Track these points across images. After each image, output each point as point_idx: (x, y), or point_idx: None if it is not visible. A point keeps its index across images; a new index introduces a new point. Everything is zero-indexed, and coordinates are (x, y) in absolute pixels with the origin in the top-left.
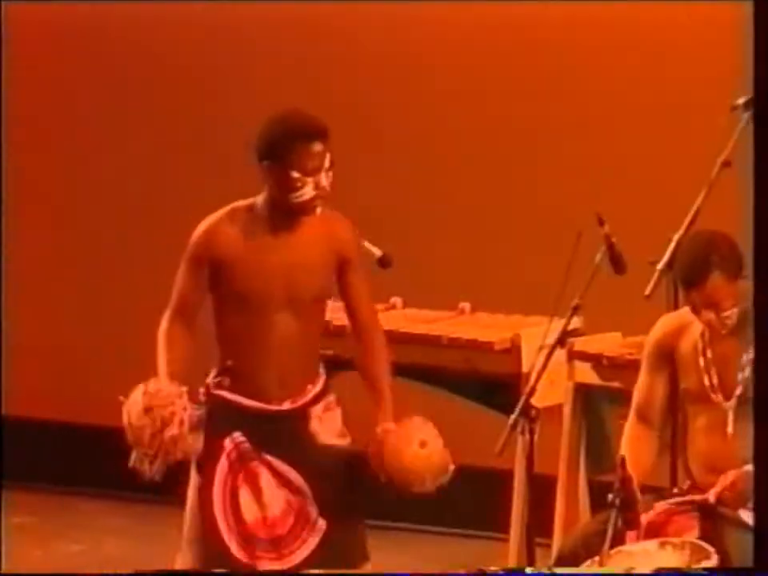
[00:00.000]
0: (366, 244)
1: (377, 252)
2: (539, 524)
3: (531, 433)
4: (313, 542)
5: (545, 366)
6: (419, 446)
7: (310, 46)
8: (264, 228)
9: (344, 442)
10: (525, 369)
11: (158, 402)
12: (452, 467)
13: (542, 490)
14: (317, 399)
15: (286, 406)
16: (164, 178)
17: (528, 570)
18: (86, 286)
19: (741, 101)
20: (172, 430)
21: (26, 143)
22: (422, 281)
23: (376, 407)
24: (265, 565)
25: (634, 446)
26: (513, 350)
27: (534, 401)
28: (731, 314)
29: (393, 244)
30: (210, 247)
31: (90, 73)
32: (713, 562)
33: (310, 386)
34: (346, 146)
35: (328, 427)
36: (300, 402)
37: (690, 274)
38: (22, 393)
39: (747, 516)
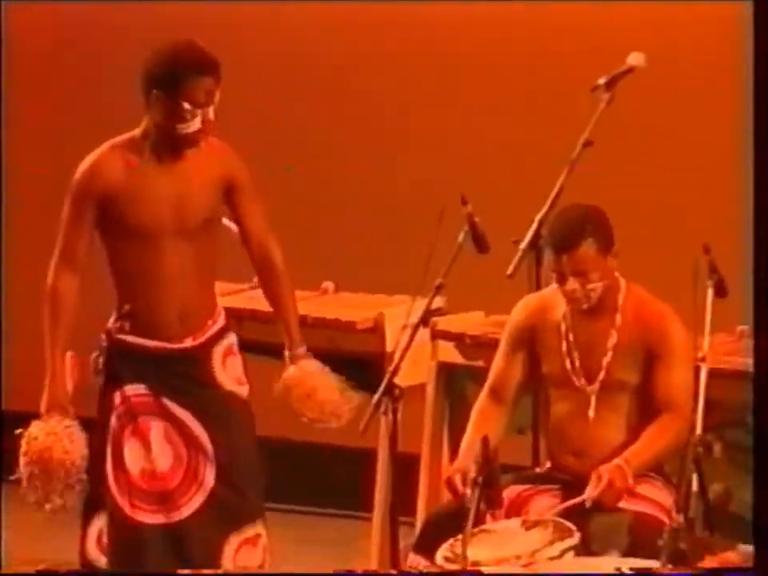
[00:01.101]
0: (227, 222)
1: (236, 229)
2: (403, 503)
3: (395, 412)
4: (199, 499)
5: (408, 346)
6: (307, 394)
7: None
8: (147, 159)
9: (243, 390)
10: (388, 348)
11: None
12: (354, 404)
13: (405, 469)
14: (218, 337)
15: (188, 343)
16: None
17: (394, 571)
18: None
19: (601, 81)
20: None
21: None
22: (284, 260)
23: (283, 334)
24: (146, 517)
25: (483, 421)
26: (376, 330)
27: (397, 380)
28: (596, 287)
29: None
30: (95, 184)
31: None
32: (575, 540)
33: (210, 322)
34: None
35: (229, 373)
36: (201, 338)
37: (563, 239)
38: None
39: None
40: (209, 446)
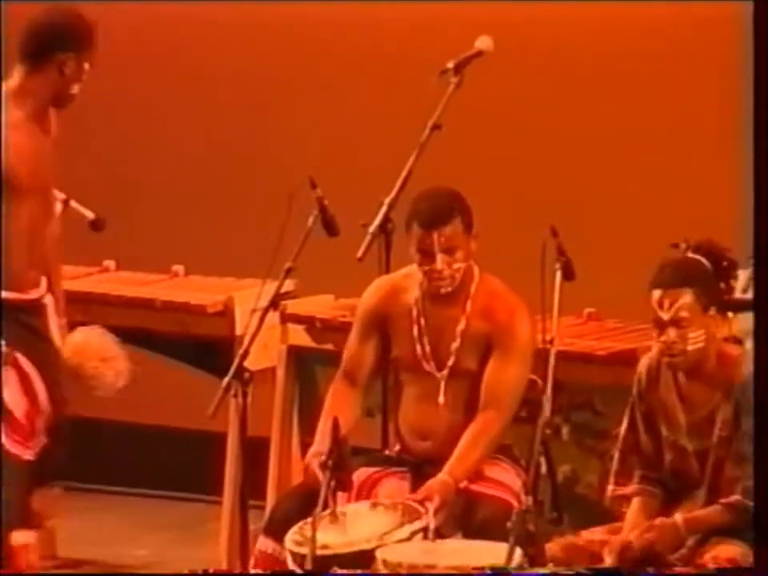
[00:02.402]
0: (76, 205)
1: (89, 215)
2: (253, 486)
3: (244, 395)
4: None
5: (258, 329)
6: (100, 361)
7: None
8: (26, 116)
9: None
10: (238, 331)
11: None
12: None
13: (255, 453)
14: (45, 294)
15: (34, 294)
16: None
17: (252, 570)
18: None
19: (450, 65)
20: None
21: None
22: (135, 244)
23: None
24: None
25: (338, 404)
26: (226, 313)
27: (247, 363)
28: (461, 267)
29: (105, 206)
30: None
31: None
32: (424, 522)
33: (41, 279)
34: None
35: (56, 329)
36: (40, 291)
37: (434, 216)
38: None
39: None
40: (45, 401)
